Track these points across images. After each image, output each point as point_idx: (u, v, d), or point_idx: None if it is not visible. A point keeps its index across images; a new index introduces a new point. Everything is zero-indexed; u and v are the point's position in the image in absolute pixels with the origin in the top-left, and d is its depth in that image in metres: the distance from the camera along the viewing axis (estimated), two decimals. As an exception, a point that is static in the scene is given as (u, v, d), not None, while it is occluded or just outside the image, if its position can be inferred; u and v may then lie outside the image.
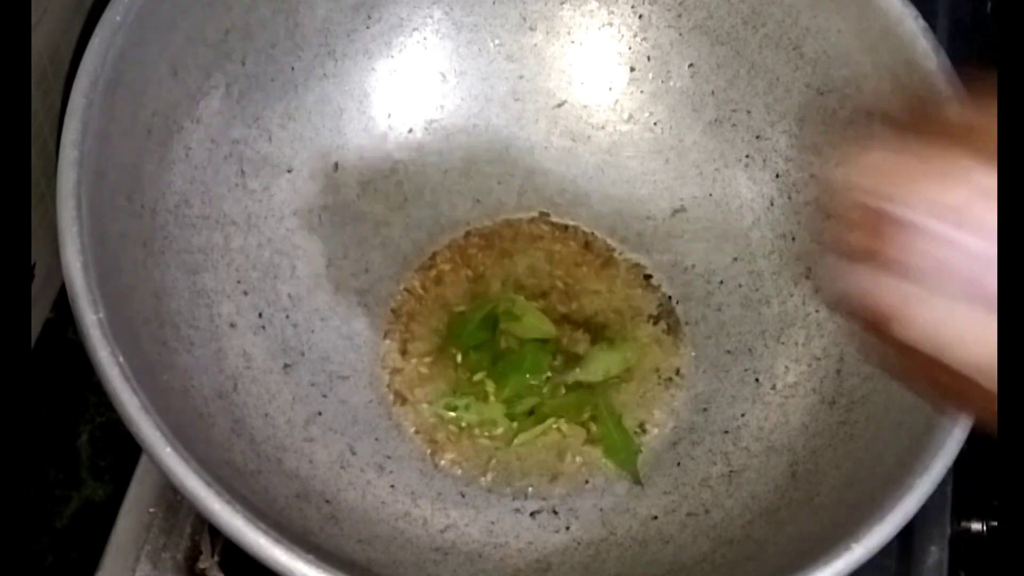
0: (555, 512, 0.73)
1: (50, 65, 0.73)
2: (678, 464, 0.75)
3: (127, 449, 0.75)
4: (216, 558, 0.73)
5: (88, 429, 0.79)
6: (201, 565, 0.73)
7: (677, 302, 0.81)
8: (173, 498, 0.74)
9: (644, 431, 0.77)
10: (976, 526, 0.77)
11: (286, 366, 0.74)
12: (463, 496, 0.73)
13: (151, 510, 0.73)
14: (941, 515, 0.76)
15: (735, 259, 0.81)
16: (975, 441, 0.64)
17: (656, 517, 0.72)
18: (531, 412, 0.76)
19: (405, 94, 0.83)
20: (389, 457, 0.74)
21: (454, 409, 0.76)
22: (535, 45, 0.84)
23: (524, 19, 0.84)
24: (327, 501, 0.69)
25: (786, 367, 0.77)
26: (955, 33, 0.91)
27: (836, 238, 0.52)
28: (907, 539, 0.76)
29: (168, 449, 0.57)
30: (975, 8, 0.94)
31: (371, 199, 0.82)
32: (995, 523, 0.76)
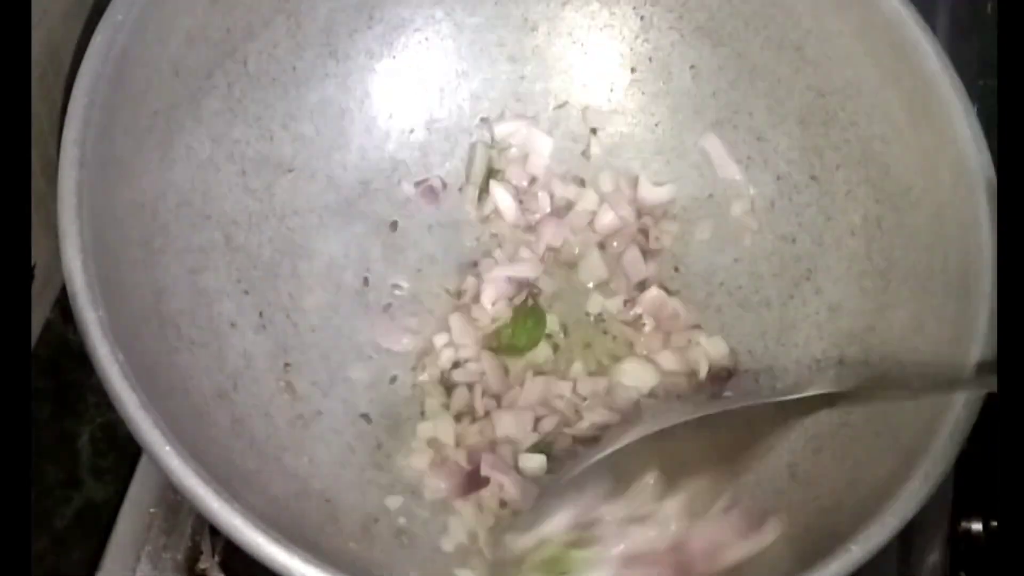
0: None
1: (50, 65, 0.73)
2: (678, 464, 0.75)
3: (127, 449, 0.75)
4: (216, 558, 0.73)
5: (88, 429, 0.79)
6: (202, 565, 0.73)
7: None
8: (173, 498, 0.74)
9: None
10: (976, 526, 0.77)
11: (286, 365, 0.74)
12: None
13: (151, 510, 0.74)
14: (941, 515, 0.76)
15: (735, 260, 0.82)
16: (976, 441, 0.64)
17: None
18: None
19: (407, 94, 0.83)
20: (389, 456, 0.74)
21: None
22: (537, 46, 0.84)
23: (526, 20, 0.84)
24: (327, 500, 0.69)
25: (786, 369, 0.77)
26: (955, 33, 0.91)
27: None
28: (907, 539, 0.76)
29: (167, 447, 0.57)
30: (975, 8, 0.94)
31: (372, 199, 0.82)
32: (995, 523, 0.76)
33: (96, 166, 0.63)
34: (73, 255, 0.60)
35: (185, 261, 0.71)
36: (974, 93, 0.72)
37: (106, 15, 0.66)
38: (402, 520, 0.71)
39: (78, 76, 0.65)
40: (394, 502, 0.72)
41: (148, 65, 0.69)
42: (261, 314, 0.74)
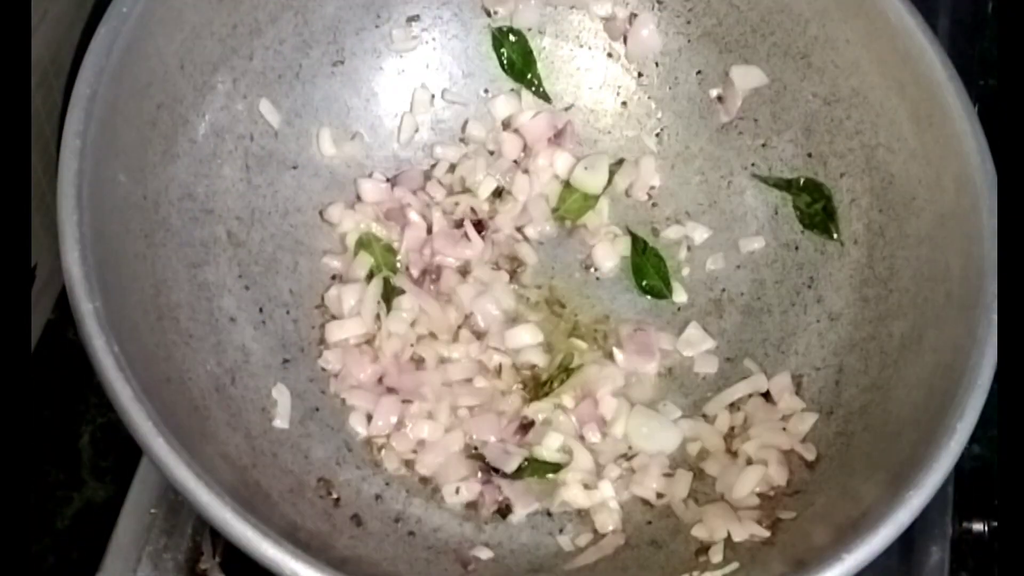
0: (549, 514, 0.73)
1: (51, 65, 0.73)
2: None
3: (128, 450, 0.75)
4: (217, 559, 0.73)
5: (89, 430, 0.79)
6: (202, 566, 0.73)
7: (679, 308, 0.81)
8: (174, 499, 0.73)
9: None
10: (977, 527, 0.76)
11: (285, 361, 0.74)
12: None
13: (152, 511, 0.73)
14: (942, 516, 0.76)
15: (738, 267, 0.81)
16: (977, 442, 0.64)
17: (650, 522, 0.72)
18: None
19: (412, 94, 0.83)
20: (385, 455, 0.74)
21: None
22: (544, 49, 0.84)
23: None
24: (321, 497, 0.69)
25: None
26: (955, 33, 0.91)
27: None
28: (908, 540, 0.75)
29: (160, 440, 0.57)
30: (975, 8, 0.94)
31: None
32: (996, 523, 0.75)
33: (97, 158, 0.64)
34: (71, 245, 0.60)
35: (186, 255, 0.71)
36: (974, 93, 0.72)
37: (111, 7, 0.67)
38: (399, 517, 0.71)
39: (81, 67, 0.65)
40: (391, 497, 0.72)
41: (153, 58, 0.69)
42: (261, 309, 0.74)
